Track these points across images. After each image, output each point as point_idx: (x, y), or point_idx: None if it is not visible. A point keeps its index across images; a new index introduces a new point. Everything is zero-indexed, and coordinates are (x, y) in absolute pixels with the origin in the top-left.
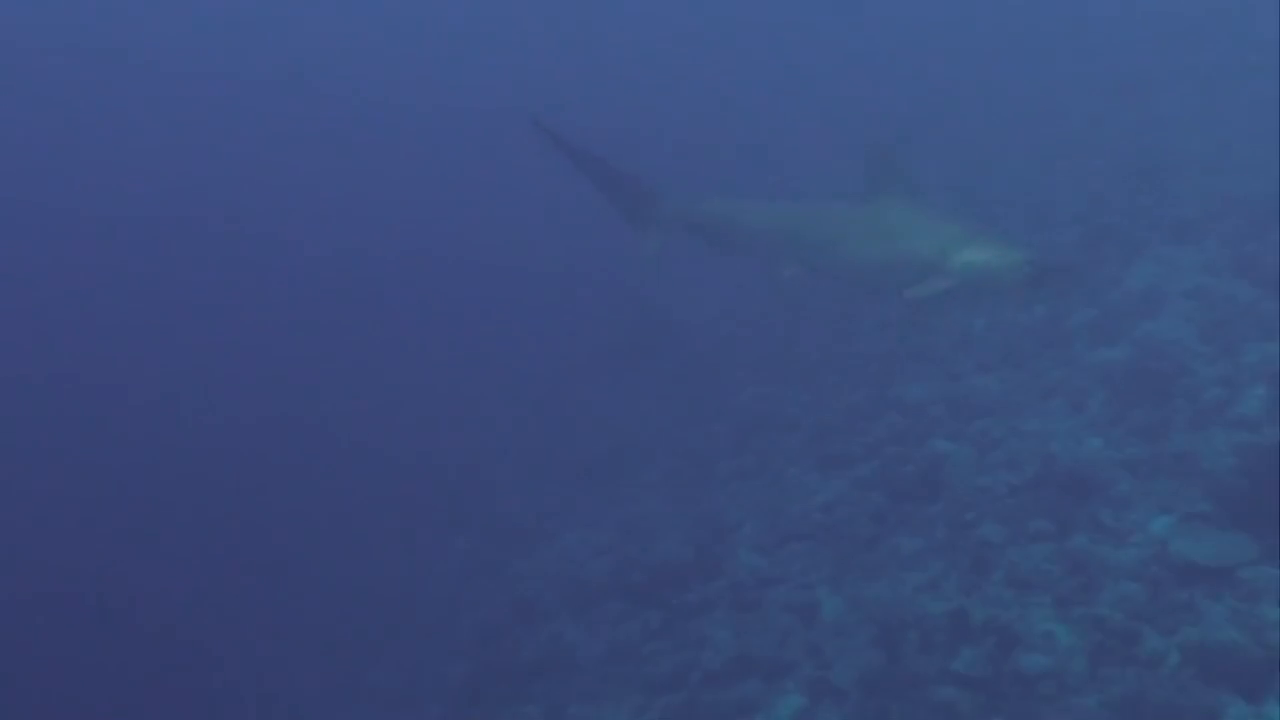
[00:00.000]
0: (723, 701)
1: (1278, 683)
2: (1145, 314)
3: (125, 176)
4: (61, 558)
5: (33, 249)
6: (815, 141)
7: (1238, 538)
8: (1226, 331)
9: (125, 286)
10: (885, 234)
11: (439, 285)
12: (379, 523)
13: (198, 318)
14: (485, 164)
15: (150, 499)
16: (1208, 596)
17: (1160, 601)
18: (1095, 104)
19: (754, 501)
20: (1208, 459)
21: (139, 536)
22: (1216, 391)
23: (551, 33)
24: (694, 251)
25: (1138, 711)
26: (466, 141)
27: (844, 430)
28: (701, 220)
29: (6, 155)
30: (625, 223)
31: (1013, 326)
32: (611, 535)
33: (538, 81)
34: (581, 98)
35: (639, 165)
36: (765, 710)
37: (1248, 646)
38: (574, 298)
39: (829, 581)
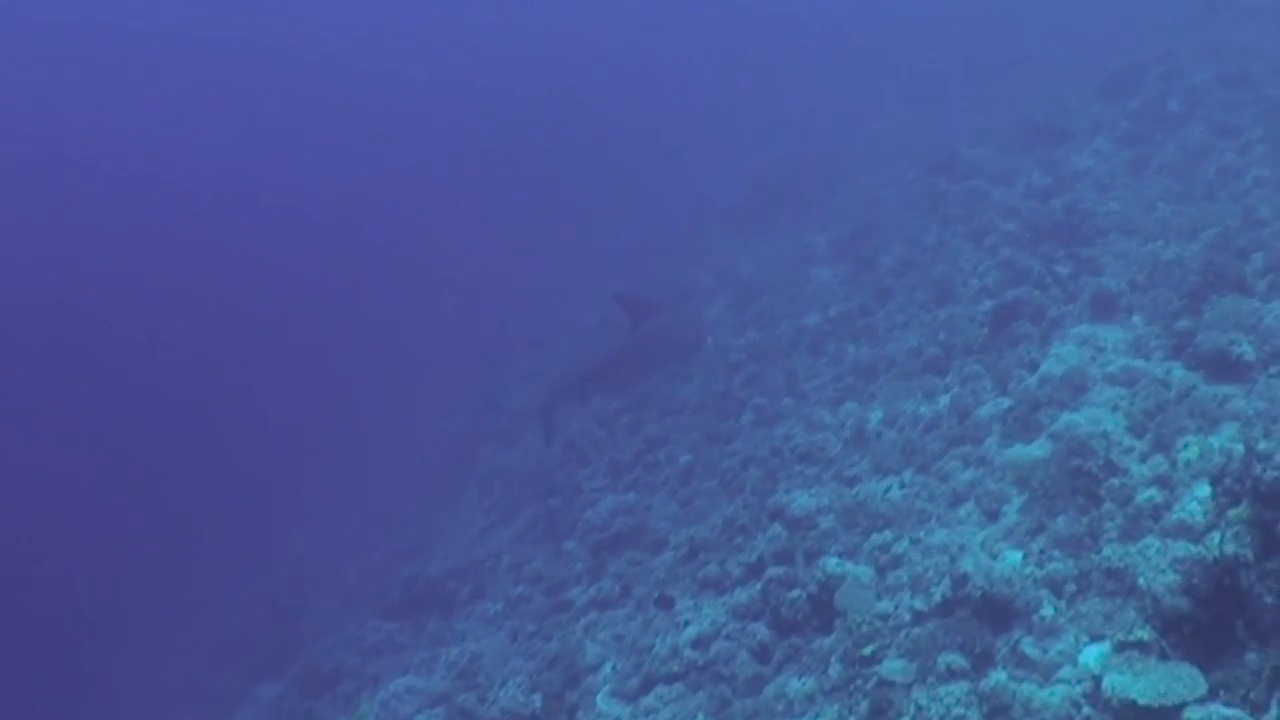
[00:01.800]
0: None
1: None
2: (1066, 403)
3: None
4: None
5: None
6: None
7: (1183, 670)
8: (1160, 422)
9: None
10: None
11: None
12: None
13: None
14: None
15: None
16: None
17: None
18: (1003, 159)
19: (614, 636)
20: (1145, 575)
21: None
22: (1151, 493)
23: None
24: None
25: None
26: None
27: (720, 548)
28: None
29: None
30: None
31: (914, 421)
32: (444, 681)
33: None
34: None
35: None
36: None
37: None
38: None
39: None
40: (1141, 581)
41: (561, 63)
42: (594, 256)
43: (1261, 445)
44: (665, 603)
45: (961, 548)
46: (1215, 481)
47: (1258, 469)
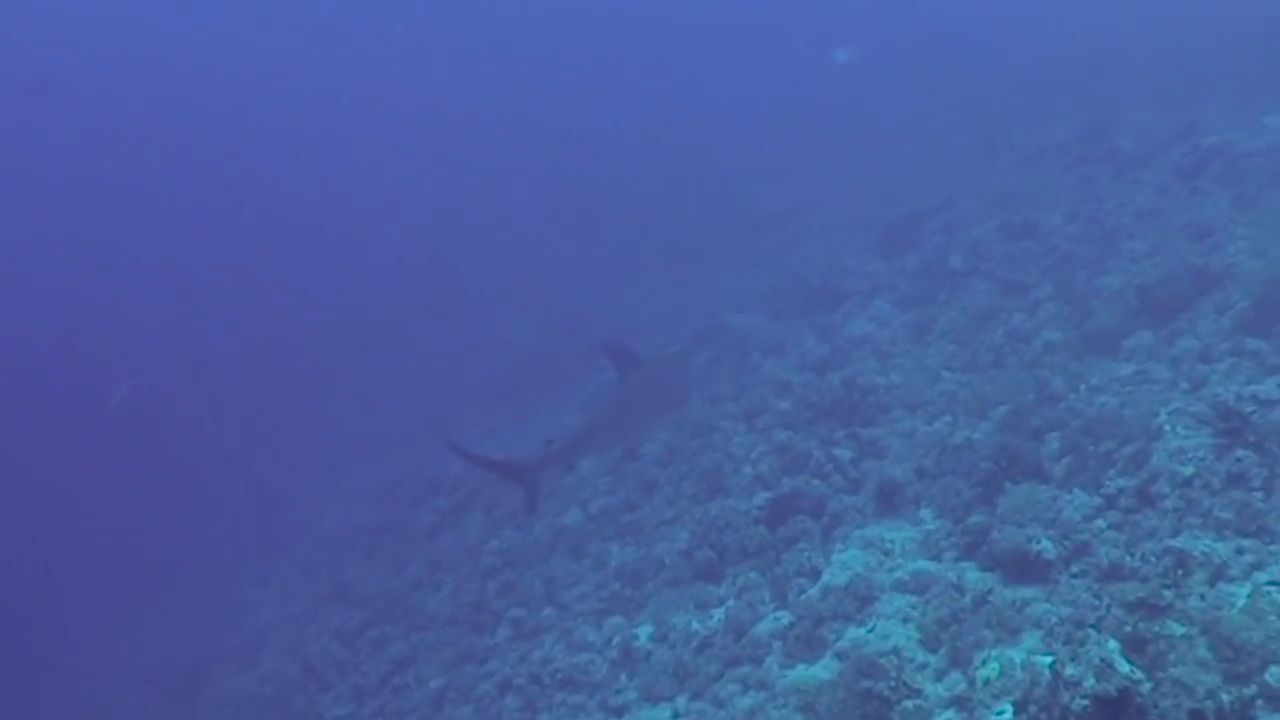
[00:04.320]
0: None
1: None
2: (853, 616)
3: None
4: None
5: None
6: None
7: None
8: (955, 634)
9: None
10: None
11: None
12: None
13: None
14: None
15: None
16: None
17: None
18: (774, 326)
19: None
20: None
21: None
22: (949, 717)
23: None
24: None
25: None
26: None
27: None
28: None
29: None
30: (518, 484)
31: (687, 639)
32: None
33: None
34: None
35: None
36: None
37: None
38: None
39: None
40: None
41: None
42: (323, 449)
43: (1069, 671)
44: None
45: None
46: (1019, 707)
47: (1065, 697)
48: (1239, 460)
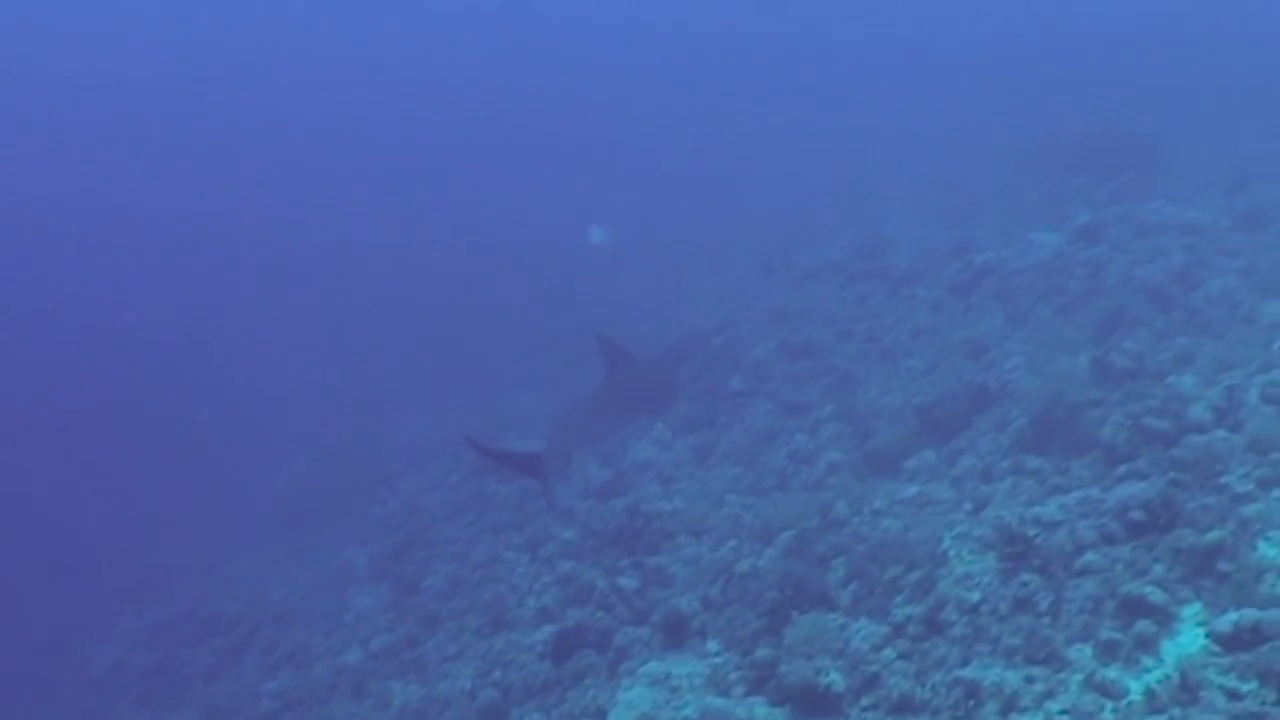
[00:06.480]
0: None
1: None
2: None
3: None
4: None
5: None
6: None
7: None
8: None
9: None
10: None
11: None
12: None
13: None
14: None
15: None
16: None
17: None
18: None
19: None
20: None
21: None
22: None
23: None
24: None
25: None
26: None
27: None
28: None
29: None
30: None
31: None
32: None
33: None
34: None
35: None
36: None
37: None
38: None
39: None
40: None
41: None
42: (93, 587)
43: None
44: None
45: None
46: None
47: None
48: (1025, 585)
